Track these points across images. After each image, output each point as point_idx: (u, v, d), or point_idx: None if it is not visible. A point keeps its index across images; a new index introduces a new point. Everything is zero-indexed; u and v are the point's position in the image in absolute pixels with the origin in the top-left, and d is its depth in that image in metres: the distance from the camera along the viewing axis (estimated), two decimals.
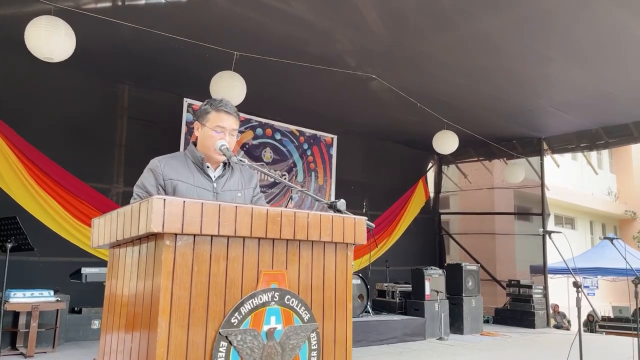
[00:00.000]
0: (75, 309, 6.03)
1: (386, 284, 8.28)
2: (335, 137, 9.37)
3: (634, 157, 22.14)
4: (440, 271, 7.83)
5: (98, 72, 6.83)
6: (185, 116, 7.75)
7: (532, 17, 5.16)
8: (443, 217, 11.65)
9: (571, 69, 6.41)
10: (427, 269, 7.60)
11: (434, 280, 7.57)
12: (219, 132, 2.12)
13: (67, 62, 4.97)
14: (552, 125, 9.16)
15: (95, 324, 6.07)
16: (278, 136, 8.70)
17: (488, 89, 7.32)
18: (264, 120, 8.51)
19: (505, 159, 10.44)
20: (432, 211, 11.35)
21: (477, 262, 9.34)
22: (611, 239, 5.26)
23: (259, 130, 8.51)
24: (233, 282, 1.51)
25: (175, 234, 1.40)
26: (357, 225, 1.82)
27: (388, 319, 7.13)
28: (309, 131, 9.09)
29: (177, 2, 5.17)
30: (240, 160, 2.05)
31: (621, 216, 21.11)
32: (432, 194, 11.31)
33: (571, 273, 4.45)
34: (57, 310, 5.33)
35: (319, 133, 9.22)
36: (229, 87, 5.52)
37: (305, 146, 9.05)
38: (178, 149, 7.53)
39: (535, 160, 10.14)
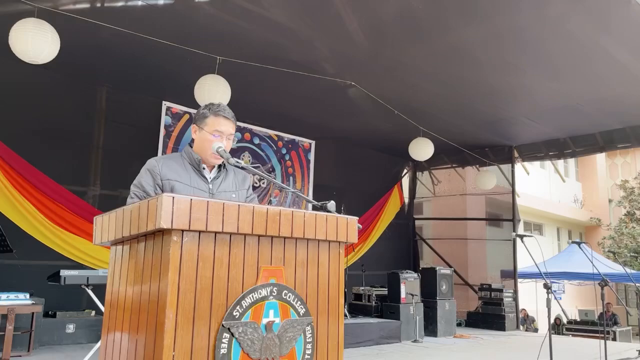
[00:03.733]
0: (50, 312, 5.94)
1: (362, 288, 8.41)
2: (313, 143, 9.47)
3: (599, 166, 22.95)
4: (416, 275, 8.00)
5: (76, 73, 6.77)
6: (164, 119, 7.73)
7: (506, 31, 5.38)
8: (417, 222, 11.88)
9: (542, 80, 6.69)
10: (402, 273, 7.76)
11: (410, 283, 7.73)
12: (216, 136, 2.19)
13: (44, 64, 4.93)
14: (522, 133, 9.48)
15: (70, 328, 5.99)
16: (257, 140, 8.76)
17: (463, 98, 7.55)
18: (242, 125, 8.55)
19: (477, 166, 10.73)
20: (407, 216, 11.56)
21: (450, 267, 9.57)
22: (578, 243, 5.51)
23: (238, 134, 8.54)
24: (235, 277, 1.59)
25: (182, 230, 1.48)
26: (349, 225, 1.92)
27: (364, 322, 7.25)
28: (287, 136, 9.17)
29: (156, 6, 5.17)
30: (237, 162, 2.13)
31: (586, 223, 21.82)
32: (406, 200, 11.53)
33: (542, 276, 4.65)
34: (33, 313, 5.26)
35: (297, 138, 9.31)
36: (214, 90, 5.56)
37: (284, 151, 9.13)
38: (156, 153, 7.51)
39: (506, 167, 10.46)
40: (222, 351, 1.52)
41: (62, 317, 5.95)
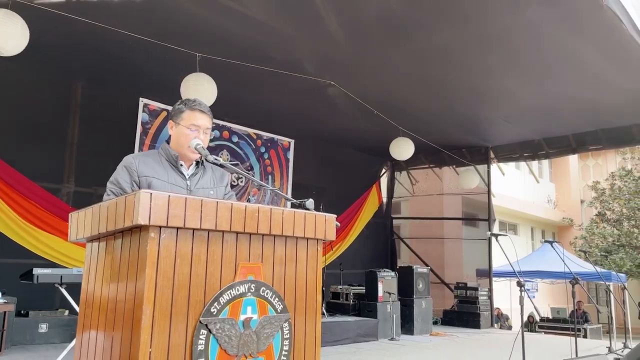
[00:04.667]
0: (22, 312, 5.82)
1: (340, 287, 8.45)
2: (292, 142, 9.47)
3: (572, 168, 23.48)
4: (393, 273, 8.07)
5: (51, 68, 6.64)
6: (141, 116, 7.63)
7: (484, 34, 5.47)
8: (395, 221, 11.98)
9: (518, 83, 6.82)
10: (380, 272, 7.82)
11: (387, 282, 7.79)
12: (193, 130, 2.19)
13: (16, 57, 4.81)
14: (499, 135, 9.64)
15: (43, 328, 5.88)
16: (235, 139, 8.71)
17: (441, 98, 7.64)
18: (221, 123, 8.50)
19: (454, 166, 10.87)
20: (385, 216, 11.65)
21: (427, 265, 9.68)
22: (551, 242, 5.64)
23: (216, 132, 8.49)
24: (212, 273, 1.59)
25: (160, 227, 1.47)
26: (327, 223, 1.94)
27: (342, 320, 7.28)
28: (266, 135, 9.15)
29: (133, 1, 5.09)
30: (216, 160, 2.12)
31: (559, 223, 22.30)
32: (384, 199, 11.61)
33: (515, 274, 4.75)
34: (5, 312, 5.15)
35: (276, 137, 9.29)
36: (200, 88, 5.55)
37: (263, 149, 9.10)
38: (132, 149, 7.42)
39: (482, 168, 10.62)
40: (200, 347, 1.53)
41: (35, 317, 5.83)
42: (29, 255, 6.13)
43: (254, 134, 8.97)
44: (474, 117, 8.54)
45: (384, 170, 11.70)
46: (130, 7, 5.18)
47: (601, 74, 6.34)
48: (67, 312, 6.19)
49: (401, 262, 11.37)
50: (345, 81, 6.99)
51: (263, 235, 1.74)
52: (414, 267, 8.52)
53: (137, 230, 1.50)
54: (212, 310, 1.57)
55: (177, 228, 1.51)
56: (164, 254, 1.48)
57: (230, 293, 1.62)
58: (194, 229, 1.55)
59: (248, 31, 5.63)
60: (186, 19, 5.39)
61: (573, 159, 22.72)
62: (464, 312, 9.55)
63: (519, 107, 7.91)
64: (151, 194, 1.45)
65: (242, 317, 1.64)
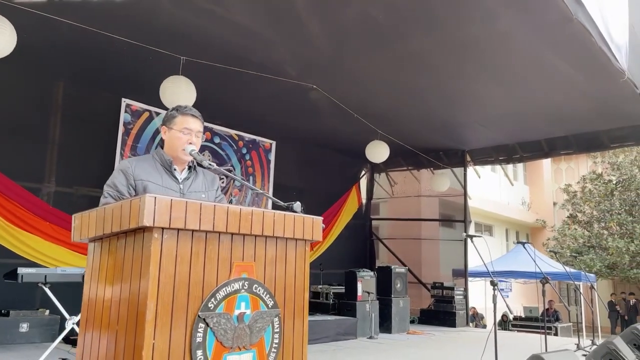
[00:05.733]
0: (3, 311, 5.81)
1: (320, 286, 8.59)
2: (274, 143, 9.58)
3: (545, 171, 24.11)
4: (372, 273, 8.25)
5: (31, 67, 6.62)
6: (123, 116, 7.64)
7: (461, 41, 5.68)
8: (374, 222, 12.19)
9: (494, 90, 7.07)
10: (359, 272, 7.99)
11: (366, 282, 7.97)
12: (185, 133, 2.31)
13: None
14: (475, 139, 9.93)
15: (24, 327, 5.89)
16: (217, 140, 8.79)
17: (419, 103, 7.86)
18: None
19: (432, 169, 11.13)
20: (364, 217, 11.85)
21: (405, 266, 9.90)
22: (523, 244, 5.89)
23: None
24: (210, 271, 1.72)
25: (162, 228, 1.59)
26: (314, 224, 2.08)
27: (322, 319, 7.43)
28: (248, 136, 9.24)
29: (114, 2, 5.10)
30: (210, 165, 2.25)
31: (533, 224, 22.86)
32: (364, 201, 11.81)
33: (489, 274, 4.96)
34: None
35: (257, 138, 9.39)
36: (178, 91, 5.61)
37: (244, 150, 9.19)
38: (115, 149, 7.45)
39: (459, 170, 10.90)
40: (198, 340, 1.65)
41: (16, 316, 5.83)
42: (7, 254, 6.11)
43: (236, 135, 9.06)
44: (450, 121, 8.80)
45: (363, 172, 11.90)
46: (112, 9, 5.20)
47: (571, 83, 6.63)
48: (47, 311, 6.19)
49: (379, 262, 11.57)
50: (327, 85, 7.14)
51: (256, 236, 1.87)
52: (392, 267, 8.73)
53: (141, 231, 1.61)
54: (209, 305, 1.69)
55: (178, 229, 1.63)
56: (166, 254, 1.60)
57: (225, 290, 1.75)
58: (193, 230, 1.67)
59: (232, 35, 5.73)
60: (169, 21, 5.43)
61: (546, 162, 23.33)
62: (441, 311, 9.80)
63: (494, 113, 8.19)
64: (155, 197, 1.57)
65: (237, 312, 1.77)
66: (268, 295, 1.88)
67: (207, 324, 1.67)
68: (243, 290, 1.80)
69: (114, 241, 1.75)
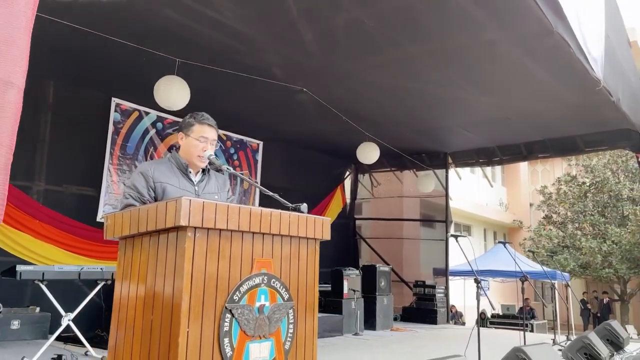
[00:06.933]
0: None
1: None
2: (261, 143, 9.73)
3: (522, 173, 24.75)
4: (357, 272, 8.47)
5: None
6: (113, 116, 7.70)
7: (447, 49, 5.93)
8: (357, 222, 12.42)
9: (476, 95, 7.34)
10: (345, 270, 8.20)
11: (352, 280, 8.18)
12: (202, 141, 2.47)
13: None
14: (457, 142, 10.24)
15: (15, 324, 5.94)
16: None
17: (405, 107, 8.10)
18: None
19: (415, 170, 11.41)
20: (348, 216, 12.08)
21: (388, 264, 10.15)
22: (504, 243, 6.17)
23: None
24: (234, 266, 1.89)
25: (195, 227, 1.76)
26: (324, 225, 2.27)
27: None
28: (235, 136, 9.36)
29: (100, 2, 5.14)
30: (228, 169, 2.42)
31: (510, 225, 23.44)
32: (348, 201, 12.03)
33: (473, 272, 5.22)
34: None
35: (245, 138, 9.53)
36: (173, 92, 5.72)
37: (232, 150, 9.32)
38: (104, 148, 7.52)
39: (441, 172, 11.20)
40: (225, 329, 1.82)
41: (7, 313, 5.86)
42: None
43: (224, 135, 9.17)
44: (434, 124, 9.07)
45: (348, 173, 12.12)
46: (103, 8, 5.23)
47: (550, 91, 6.95)
48: (38, 309, 6.24)
49: (363, 261, 11.81)
50: (316, 88, 7.32)
51: (273, 235, 2.05)
52: (377, 266, 8.96)
53: (175, 230, 1.78)
54: (234, 297, 1.87)
55: (208, 229, 1.80)
56: (198, 250, 1.77)
57: (248, 283, 1.93)
58: (220, 230, 1.84)
59: (224, 37, 5.84)
60: (159, 22, 5.46)
61: (523, 165, 23.95)
62: (422, 309, 10.07)
63: (476, 117, 8.48)
64: (190, 200, 1.73)
65: (257, 304, 1.95)
66: (284, 289, 2.06)
67: (233, 315, 1.85)
68: (263, 284, 1.98)
69: (147, 239, 1.91)
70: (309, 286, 2.20)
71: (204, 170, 2.57)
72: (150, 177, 2.38)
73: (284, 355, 2.02)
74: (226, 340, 1.82)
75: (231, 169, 2.44)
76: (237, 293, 1.88)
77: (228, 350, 1.81)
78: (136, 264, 1.93)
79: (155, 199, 2.33)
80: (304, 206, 2.42)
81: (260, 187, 2.51)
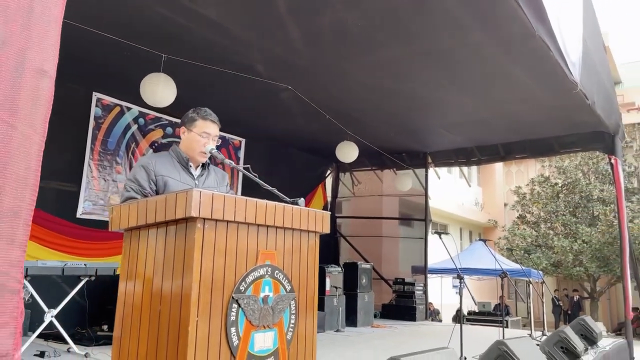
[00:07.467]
0: None
1: None
2: (243, 141, 9.72)
3: (497, 173, 25.25)
4: (339, 269, 8.54)
5: None
6: (94, 110, 7.60)
7: (430, 50, 6.04)
8: (337, 220, 12.50)
9: (456, 96, 7.49)
10: (327, 267, 8.26)
11: (334, 277, 8.26)
12: (204, 137, 2.50)
13: None
14: (436, 142, 10.40)
15: None
16: None
17: (387, 106, 8.20)
18: (174, 120, 8.59)
19: (395, 169, 11.54)
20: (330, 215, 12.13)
21: (368, 262, 10.26)
22: (484, 241, 6.32)
23: (169, 129, 8.58)
24: (241, 258, 1.93)
25: (204, 219, 1.79)
26: (324, 218, 2.32)
27: None
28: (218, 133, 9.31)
29: None
30: (230, 162, 2.45)
31: (485, 224, 23.90)
32: (329, 199, 12.11)
33: (451, 270, 5.34)
34: None
35: (227, 135, 9.50)
36: (160, 89, 5.68)
37: None
38: (84, 144, 7.41)
39: (420, 172, 11.37)
40: (232, 318, 1.86)
41: None
42: None
43: None
44: (414, 124, 9.21)
45: (329, 172, 12.19)
46: (85, 1, 5.16)
47: (529, 92, 7.14)
48: None
49: (343, 259, 11.90)
50: (301, 86, 7.35)
51: (277, 227, 2.09)
52: (359, 263, 9.05)
53: (184, 221, 1.81)
54: (241, 288, 1.91)
55: (216, 220, 1.84)
56: (207, 241, 1.81)
57: (253, 274, 1.97)
58: (228, 221, 1.88)
59: (210, 34, 5.82)
60: (144, 16, 5.41)
61: (498, 165, 24.44)
62: (402, 306, 10.21)
63: (456, 118, 8.64)
64: (200, 192, 1.77)
65: (262, 295, 1.99)
66: (286, 280, 2.11)
67: (239, 305, 1.89)
68: (267, 276, 2.02)
69: (154, 230, 1.93)
70: (310, 278, 2.25)
71: (203, 165, 2.60)
72: (151, 170, 2.40)
73: (286, 345, 2.07)
74: (233, 329, 1.86)
75: (233, 163, 2.47)
76: (244, 284, 1.92)
77: (235, 339, 1.85)
78: (142, 254, 1.95)
79: (157, 192, 2.35)
80: (302, 201, 2.48)
81: (261, 181, 2.55)
